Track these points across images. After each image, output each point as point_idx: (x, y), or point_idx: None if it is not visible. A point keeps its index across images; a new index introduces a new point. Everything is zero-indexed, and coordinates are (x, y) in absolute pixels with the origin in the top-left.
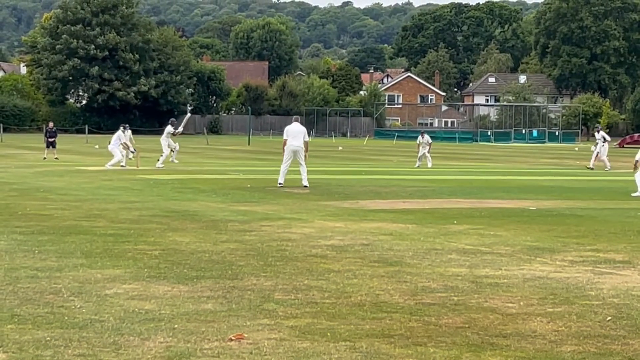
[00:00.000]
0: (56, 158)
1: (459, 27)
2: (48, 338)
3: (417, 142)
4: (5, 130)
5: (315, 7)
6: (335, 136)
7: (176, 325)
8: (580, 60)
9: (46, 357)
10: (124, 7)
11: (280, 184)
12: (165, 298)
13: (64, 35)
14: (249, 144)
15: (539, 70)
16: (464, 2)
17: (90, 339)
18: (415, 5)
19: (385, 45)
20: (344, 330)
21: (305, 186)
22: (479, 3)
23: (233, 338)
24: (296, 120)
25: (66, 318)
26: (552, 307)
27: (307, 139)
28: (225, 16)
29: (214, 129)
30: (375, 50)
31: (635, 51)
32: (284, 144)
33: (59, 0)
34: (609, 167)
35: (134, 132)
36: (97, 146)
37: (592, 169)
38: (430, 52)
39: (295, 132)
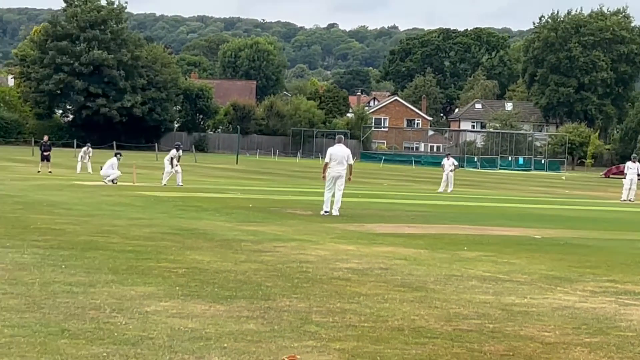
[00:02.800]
0: (50, 172)
1: (447, 52)
2: (104, 354)
3: (442, 163)
4: None
5: (301, 27)
6: (322, 157)
7: (225, 345)
8: (568, 89)
9: None
10: (113, 23)
11: (325, 212)
12: (205, 317)
13: (52, 51)
14: (237, 163)
15: (525, 98)
16: (452, 28)
17: (145, 355)
18: (401, 29)
19: (371, 68)
20: (391, 354)
21: (335, 212)
22: (467, 29)
23: (286, 359)
24: (340, 141)
25: (115, 334)
26: (588, 338)
27: (351, 161)
28: (212, 34)
29: (200, 147)
30: (360, 73)
31: (622, 82)
32: (325, 167)
33: (44, 13)
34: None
35: (119, 147)
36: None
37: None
38: (418, 76)
39: (340, 157)
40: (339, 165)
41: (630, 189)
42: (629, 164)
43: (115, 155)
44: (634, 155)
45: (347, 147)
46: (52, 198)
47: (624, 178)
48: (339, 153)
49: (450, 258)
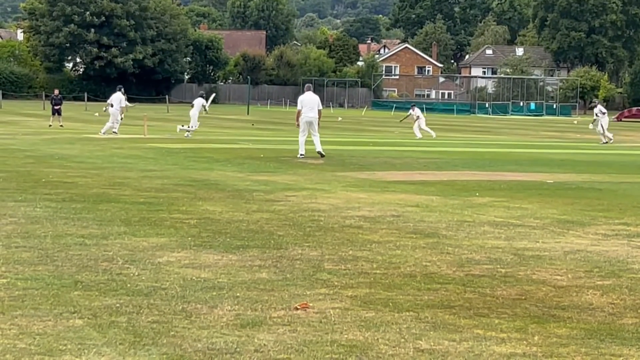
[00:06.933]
0: (61, 125)
1: None
2: (117, 305)
3: (410, 113)
4: (3, 96)
5: None
6: (332, 107)
7: (238, 294)
8: (578, 33)
9: (122, 323)
10: None
11: (301, 154)
12: (218, 267)
13: (61, 3)
14: (248, 114)
15: (536, 43)
16: None
17: (159, 306)
18: None
19: (380, 15)
20: (404, 300)
21: (319, 152)
22: None
23: (299, 307)
24: (309, 89)
25: (128, 285)
26: (600, 280)
27: (320, 107)
28: None
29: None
30: (370, 21)
31: (633, 25)
32: (298, 114)
33: None
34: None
35: (130, 99)
36: (97, 114)
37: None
38: (428, 23)
39: (310, 102)
40: (311, 112)
41: (606, 130)
42: (596, 110)
43: (118, 89)
44: (592, 101)
45: (315, 94)
46: (63, 151)
47: (594, 124)
48: (309, 98)
49: (462, 204)
